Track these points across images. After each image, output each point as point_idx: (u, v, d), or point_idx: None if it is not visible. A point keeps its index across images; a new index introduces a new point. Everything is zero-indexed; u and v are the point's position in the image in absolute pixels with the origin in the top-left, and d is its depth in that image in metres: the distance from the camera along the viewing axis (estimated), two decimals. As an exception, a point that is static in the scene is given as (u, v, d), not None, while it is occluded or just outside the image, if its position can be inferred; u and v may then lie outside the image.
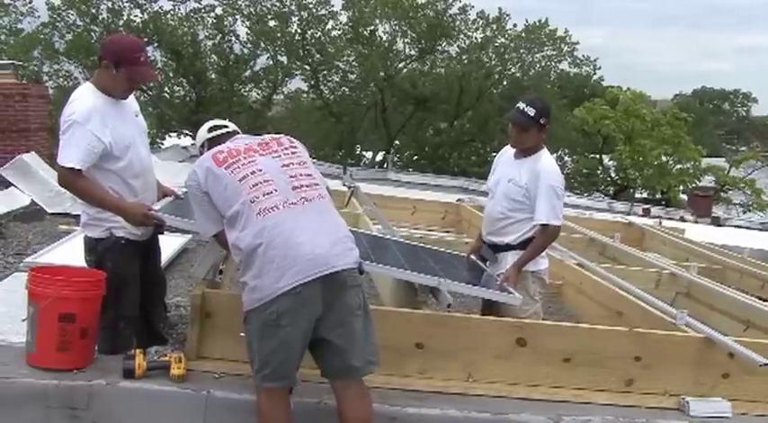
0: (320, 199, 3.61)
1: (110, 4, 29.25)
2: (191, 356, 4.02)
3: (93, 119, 3.97)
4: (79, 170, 3.93)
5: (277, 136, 3.88)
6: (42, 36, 29.53)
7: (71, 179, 3.98)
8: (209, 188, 3.61)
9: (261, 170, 3.57)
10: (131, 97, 4.32)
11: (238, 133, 4.08)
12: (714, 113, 65.80)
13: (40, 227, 8.39)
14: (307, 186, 3.60)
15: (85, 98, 4.05)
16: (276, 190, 3.51)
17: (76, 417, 3.74)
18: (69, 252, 6.09)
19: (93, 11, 29.31)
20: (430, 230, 8.89)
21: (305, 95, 35.23)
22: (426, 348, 4.16)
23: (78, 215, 4.60)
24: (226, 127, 4.13)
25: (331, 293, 3.40)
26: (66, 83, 28.78)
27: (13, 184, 9.58)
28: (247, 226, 3.45)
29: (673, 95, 63.45)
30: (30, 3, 29.83)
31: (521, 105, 4.62)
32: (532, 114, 4.57)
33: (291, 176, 3.61)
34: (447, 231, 9.08)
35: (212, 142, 3.98)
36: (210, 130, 4.11)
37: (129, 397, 3.80)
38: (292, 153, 3.75)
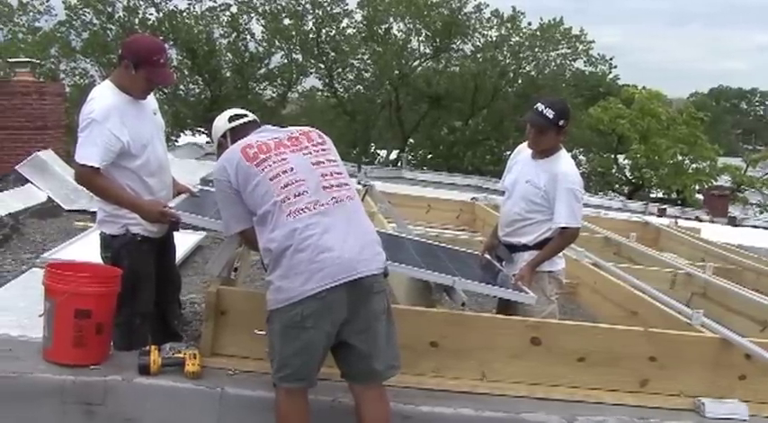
0: (350, 200, 3.57)
1: (126, 2, 29.39)
2: (205, 353, 4.04)
3: (112, 117, 3.98)
4: (97, 168, 3.95)
5: (306, 130, 3.80)
6: (59, 34, 29.68)
7: (88, 177, 4.01)
8: (240, 186, 3.54)
9: (292, 169, 3.51)
10: (150, 95, 4.34)
11: (258, 123, 3.99)
12: (731, 112, 65.47)
13: (57, 223, 8.46)
14: (337, 186, 3.55)
15: (105, 97, 4.07)
16: (307, 191, 3.46)
17: (92, 412, 3.77)
18: (85, 248, 6.14)
19: (110, 9, 29.44)
20: (444, 229, 8.88)
21: (319, 93, 35.21)
22: (441, 347, 4.16)
23: (94, 212, 4.62)
24: (246, 116, 4.02)
25: (357, 299, 3.39)
26: (82, 81, 28.92)
27: (29, 181, 9.65)
28: (277, 227, 3.42)
29: (688, 94, 63.18)
30: (47, 1, 29.97)
31: (539, 107, 4.59)
32: (551, 117, 4.54)
33: (322, 176, 3.55)
34: (461, 230, 9.06)
35: (234, 132, 3.89)
36: (231, 119, 3.99)
37: (144, 393, 3.82)
38: (322, 150, 3.69)
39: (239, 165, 3.55)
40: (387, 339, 3.53)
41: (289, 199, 3.44)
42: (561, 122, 4.58)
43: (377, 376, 3.55)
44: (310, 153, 3.63)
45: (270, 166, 3.52)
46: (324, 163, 3.63)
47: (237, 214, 3.65)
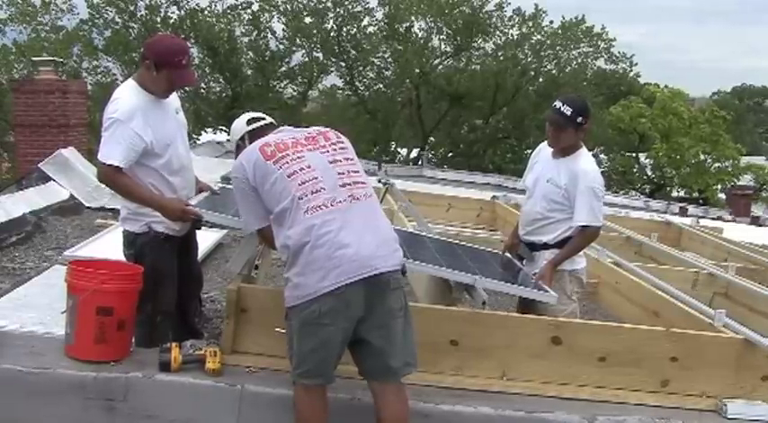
0: (367, 198, 3.58)
1: (147, 0, 29.56)
2: (226, 351, 4.05)
3: (136, 117, 4.01)
4: (119, 167, 3.98)
5: (324, 130, 3.82)
6: (82, 33, 29.90)
7: (111, 176, 4.03)
8: (257, 183, 3.57)
9: (309, 167, 3.53)
10: (173, 94, 4.35)
11: (276, 125, 4.01)
12: (754, 111, 64.86)
13: (79, 221, 8.52)
14: (354, 184, 3.56)
15: (128, 96, 4.10)
16: (324, 188, 3.48)
17: (113, 408, 3.79)
18: (107, 246, 6.17)
19: (132, 7, 29.63)
20: (465, 227, 8.87)
21: (340, 92, 35.27)
22: (461, 346, 4.15)
23: (116, 209, 4.66)
24: (264, 119, 4.06)
25: (374, 295, 3.39)
26: (104, 79, 29.10)
27: (52, 179, 9.73)
28: (295, 224, 3.43)
29: (711, 93, 62.71)
30: (69, 0, 30.20)
31: (557, 104, 4.58)
32: (569, 114, 4.52)
33: (339, 174, 3.57)
34: (482, 228, 9.04)
35: (252, 135, 3.92)
36: (249, 122, 4.02)
37: (164, 390, 3.84)
38: (340, 149, 3.70)
39: (257, 162, 3.57)
40: (403, 337, 3.52)
41: (306, 196, 3.45)
42: (580, 119, 4.55)
43: (393, 373, 3.54)
44: (327, 152, 3.65)
45: (287, 163, 3.54)
46: (341, 161, 3.64)
47: (256, 212, 3.67)
